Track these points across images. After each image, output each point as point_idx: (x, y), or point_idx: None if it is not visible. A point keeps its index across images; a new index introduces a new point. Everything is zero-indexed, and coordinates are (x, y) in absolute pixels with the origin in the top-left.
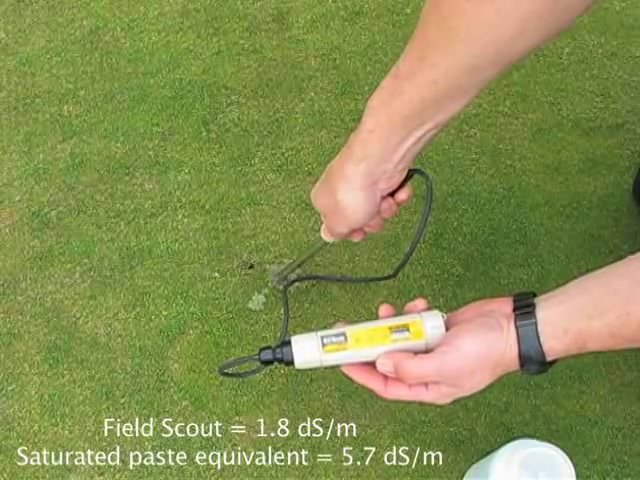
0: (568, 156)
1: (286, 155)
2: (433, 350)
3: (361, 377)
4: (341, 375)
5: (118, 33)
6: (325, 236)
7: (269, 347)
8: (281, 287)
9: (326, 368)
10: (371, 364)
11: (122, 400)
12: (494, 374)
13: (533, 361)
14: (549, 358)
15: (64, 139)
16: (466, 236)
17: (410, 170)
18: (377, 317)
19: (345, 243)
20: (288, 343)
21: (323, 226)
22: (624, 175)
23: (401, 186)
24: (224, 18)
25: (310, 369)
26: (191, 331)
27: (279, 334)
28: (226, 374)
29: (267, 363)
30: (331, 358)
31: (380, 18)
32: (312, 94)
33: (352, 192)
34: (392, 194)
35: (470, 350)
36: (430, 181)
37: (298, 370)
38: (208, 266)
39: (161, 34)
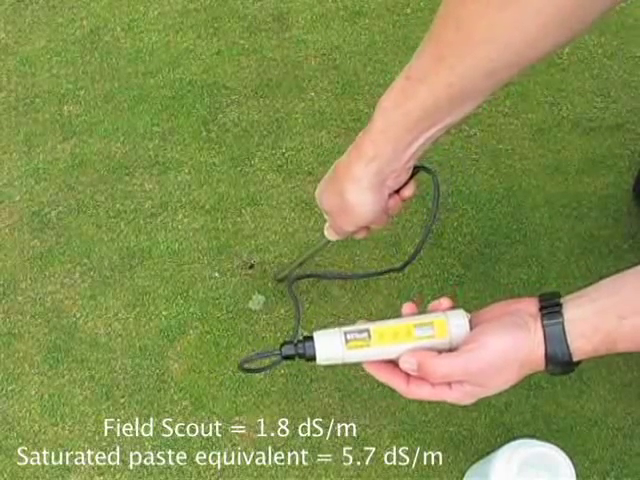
0: (568, 156)
1: (286, 155)
2: (458, 349)
3: (383, 375)
4: (341, 375)
5: (118, 33)
6: (329, 235)
7: (290, 342)
8: (284, 283)
9: (347, 365)
10: (394, 362)
11: (122, 400)
12: (520, 374)
13: (559, 361)
14: (576, 358)
15: (64, 139)
16: (466, 236)
17: (415, 167)
18: (380, 317)
19: (345, 244)
20: (310, 338)
21: (327, 225)
22: (624, 175)
23: (406, 183)
24: (224, 18)
25: (331, 365)
26: (191, 331)
27: (279, 334)
28: (246, 370)
29: (288, 358)
30: (354, 355)
31: (380, 18)
32: (312, 94)
33: (361, 192)
34: (397, 191)
35: (497, 348)
36: (436, 177)
37: (300, 371)
38: (208, 266)
39: (161, 34)
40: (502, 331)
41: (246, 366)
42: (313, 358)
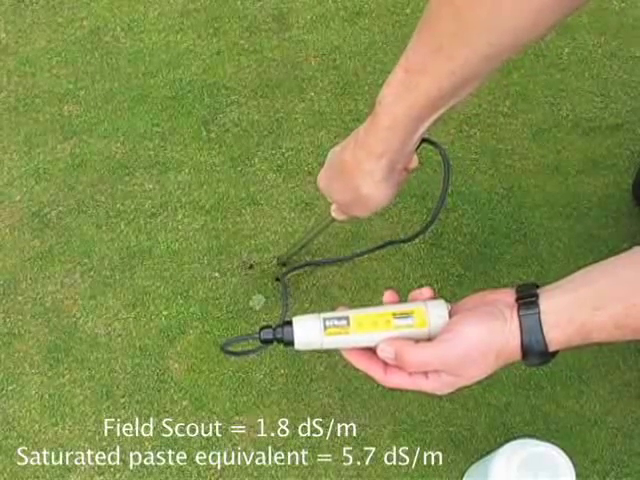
0: (568, 156)
1: (286, 155)
2: (435, 338)
3: (361, 363)
4: (341, 375)
5: (118, 33)
6: (337, 216)
7: (270, 326)
8: (279, 276)
9: (326, 351)
10: (372, 350)
11: (122, 400)
12: (496, 364)
13: (535, 351)
14: (551, 348)
15: (64, 139)
16: (466, 236)
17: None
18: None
19: (345, 243)
20: (289, 323)
21: (333, 207)
22: (624, 175)
23: None
24: (224, 18)
25: (310, 351)
26: (191, 331)
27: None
28: (228, 352)
29: (267, 342)
30: (332, 341)
31: (380, 18)
32: (312, 94)
33: (375, 184)
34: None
35: (472, 337)
36: (442, 149)
37: (300, 371)
38: (208, 266)
39: (161, 34)
40: (477, 321)
41: (228, 349)
42: (291, 343)
